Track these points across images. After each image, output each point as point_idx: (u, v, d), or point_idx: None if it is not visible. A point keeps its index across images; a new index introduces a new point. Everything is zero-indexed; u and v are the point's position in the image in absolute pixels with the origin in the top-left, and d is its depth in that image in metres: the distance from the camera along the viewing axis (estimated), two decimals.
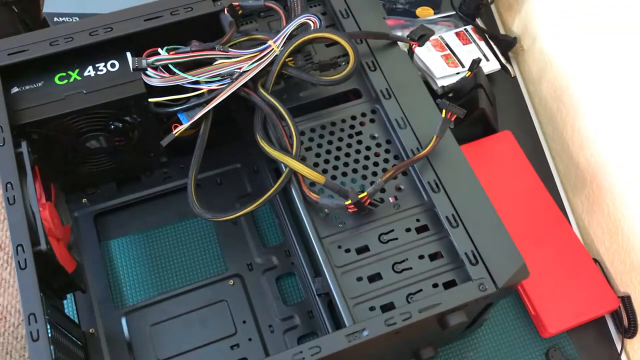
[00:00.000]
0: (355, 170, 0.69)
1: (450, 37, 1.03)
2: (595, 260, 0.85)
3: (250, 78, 0.67)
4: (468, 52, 1.01)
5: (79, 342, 0.72)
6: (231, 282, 0.81)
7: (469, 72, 0.92)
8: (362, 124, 0.72)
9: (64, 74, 0.70)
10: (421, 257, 0.65)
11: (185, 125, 0.68)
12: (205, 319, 0.79)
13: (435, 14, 1.08)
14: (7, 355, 0.82)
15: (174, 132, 0.68)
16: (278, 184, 0.66)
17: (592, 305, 0.81)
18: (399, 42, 0.76)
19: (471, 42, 1.03)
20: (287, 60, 0.68)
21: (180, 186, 0.87)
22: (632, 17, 0.74)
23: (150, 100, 0.70)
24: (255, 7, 0.75)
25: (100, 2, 0.86)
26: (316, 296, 0.80)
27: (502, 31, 1.10)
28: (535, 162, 0.93)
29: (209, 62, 0.68)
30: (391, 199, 0.67)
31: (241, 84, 0.67)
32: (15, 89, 0.69)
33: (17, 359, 0.82)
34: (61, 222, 0.70)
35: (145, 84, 0.69)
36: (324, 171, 0.69)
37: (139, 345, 0.77)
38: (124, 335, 0.77)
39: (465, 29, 1.05)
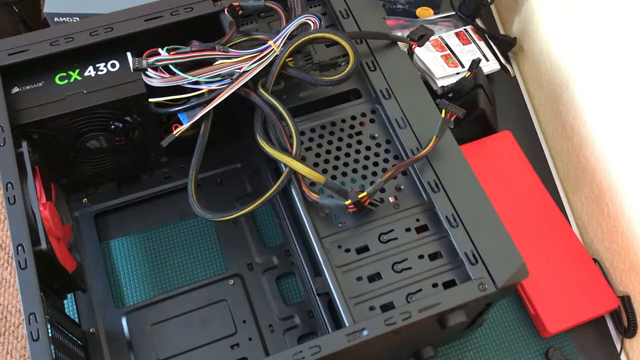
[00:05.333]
0: (355, 170, 0.69)
1: (450, 37, 1.03)
2: (595, 260, 0.85)
3: (251, 78, 0.67)
4: (468, 52, 1.01)
5: (79, 342, 0.72)
6: (231, 282, 0.81)
7: (469, 72, 0.93)
8: (362, 124, 0.72)
9: (65, 74, 0.71)
10: (421, 256, 0.65)
11: (186, 126, 0.68)
12: (205, 319, 0.79)
13: (435, 14, 1.08)
14: (7, 355, 0.82)
15: (175, 132, 0.68)
16: (278, 184, 0.66)
17: (592, 305, 0.81)
18: (398, 42, 0.76)
19: (471, 42, 1.03)
20: (287, 60, 0.68)
21: (180, 186, 0.87)
22: (632, 17, 0.74)
23: (150, 100, 0.70)
24: (256, 7, 0.75)
25: (100, 2, 0.86)
26: (316, 296, 0.80)
27: (501, 31, 1.10)
28: (535, 162, 0.94)
29: (209, 62, 0.68)
30: (391, 199, 0.67)
31: (241, 84, 0.67)
32: (15, 89, 0.69)
33: (17, 358, 0.82)
34: (61, 221, 0.70)
35: (146, 84, 0.69)
36: (324, 171, 0.69)
37: (139, 344, 0.77)
38: (124, 334, 0.77)
39: (465, 29, 1.05)
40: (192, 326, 0.78)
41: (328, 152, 0.70)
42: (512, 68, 1.05)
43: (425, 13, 1.07)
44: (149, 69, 0.67)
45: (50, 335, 0.58)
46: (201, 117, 0.68)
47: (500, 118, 0.96)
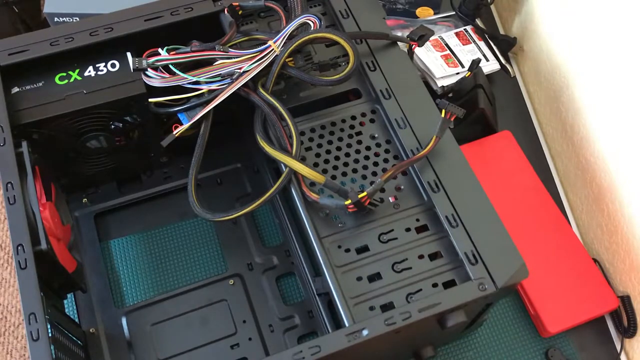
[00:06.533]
0: (355, 170, 0.69)
1: (450, 37, 1.03)
2: (595, 260, 0.85)
3: (251, 78, 0.67)
4: (468, 52, 1.01)
5: (79, 342, 0.72)
6: (231, 282, 0.81)
7: (469, 72, 0.93)
8: (362, 124, 0.72)
9: (65, 74, 0.71)
10: (421, 256, 0.65)
11: (186, 126, 0.68)
12: (205, 319, 0.79)
13: (435, 14, 1.08)
14: (7, 355, 0.82)
15: (175, 132, 0.68)
16: (278, 184, 0.66)
17: (592, 305, 0.81)
18: (398, 42, 0.76)
19: (471, 43, 1.03)
20: (287, 60, 0.69)
21: (180, 186, 0.87)
22: (632, 17, 0.74)
23: (150, 100, 0.70)
24: (256, 7, 0.75)
25: (100, 2, 0.86)
26: (316, 296, 0.80)
27: (501, 31, 1.10)
28: (535, 162, 0.94)
29: (209, 62, 0.68)
30: (391, 199, 0.67)
31: (241, 84, 0.67)
32: (15, 89, 0.69)
33: (17, 358, 0.82)
34: (61, 221, 0.70)
35: (146, 84, 0.69)
36: (324, 171, 0.69)
37: (139, 344, 0.77)
38: (124, 334, 0.77)
39: (465, 29, 1.05)
40: (192, 326, 0.78)
41: (328, 152, 0.70)
42: (512, 68, 1.05)
43: (425, 13, 1.07)
44: (149, 69, 0.67)
45: (50, 335, 0.58)
46: (201, 117, 0.68)
47: (500, 118, 0.97)
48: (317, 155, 0.70)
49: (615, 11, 0.77)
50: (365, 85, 0.74)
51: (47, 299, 0.62)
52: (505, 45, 1.05)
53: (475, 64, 0.92)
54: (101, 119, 0.72)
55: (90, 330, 0.77)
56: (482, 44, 1.03)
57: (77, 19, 0.87)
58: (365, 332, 0.58)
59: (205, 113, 0.68)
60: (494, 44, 1.04)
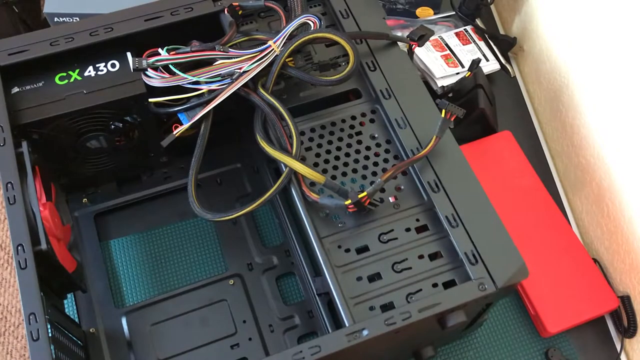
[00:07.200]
0: (355, 170, 0.69)
1: (450, 37, 1.03)
2: (595, 260, 0.85)
3: (251, 78, 0.67)
4: (468, 52, 1.01)
5: (79, 342, 0.72)
6: (231, 281, 0.81)
7: (469, 72, 0.93)
8: (362, 124, 0.72)
9: (65, 74, 0.71)
10: (421, 256, 0.65)
11: (186, 126, 0.68)
12: (205, 319, 0.79)
13: (435, 14, 1.08)
14: (7, 355, 0.82)
15: (175, 132, 0.68)
16: (278, 184, 0.66)
17: (592, 305, 0.81)
18: (398, 42, 0.76)
19: (471, 42, 1.03)
20: (287, 60, 0.69)
21: (180, 186, 0.87)
22: (632, 17, 0.74)
23: (150, 100, 0.70)
24: (256, 7, 0.75)
25: (100, 2, 0.86)
26: (316, 296, 0.80)
27: (501, 31, 1.10)
28: (535, 162, 0.94)
29: (209, 62, 0.68)
30: (391, 199, 0.67)
31: (241, 84, 0.67)
32: (15, 89, 0.69)
33: (17, 358, 0.82)
34: (61, 221, 0.70)
35: (146, 84, 0.69)
36: (324, 171, 0.69)
37: (139, 344, 0.77)
38: (124, 334, 0.77)
39: (465, 29, 1.05)
40: (192, 326, 0.78)
41: (328, 152, 0.70)
42: (512, 68, 1.05)
43: (425, 13, 1.07)
44: (149, 69, 0.67)
45: (50, 335, 0.58)
46: (201, 117, 0.68)
47: (500, 118, 0.97)
48: (317, 155, 0.70)
49: (615, 11, 0.77)
50: (365, 85, 0.74)
51: (47, 299, 0.62)
52: (505, 45, 1.05)
53: (475, 64, 0.92)
54: (101, 119, 0.72)
55: (90, 330, 0.77)
56: (482, 44, 1.03)
57: (77, 19, 0.87)
58: (365, 332, 0.58)
59: (205, 113, 0.68)
60: (494, 44, 1.04)
